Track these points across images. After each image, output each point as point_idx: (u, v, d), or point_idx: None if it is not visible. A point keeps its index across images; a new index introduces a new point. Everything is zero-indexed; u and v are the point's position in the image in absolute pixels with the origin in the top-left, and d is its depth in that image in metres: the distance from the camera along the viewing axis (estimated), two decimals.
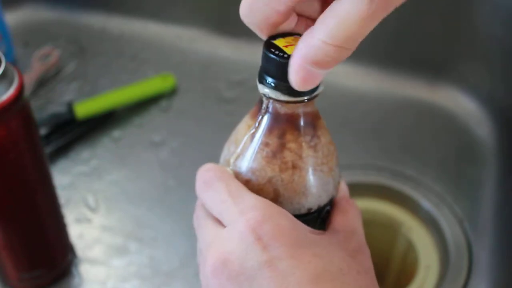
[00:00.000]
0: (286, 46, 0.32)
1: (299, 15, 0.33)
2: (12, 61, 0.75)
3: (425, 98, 0.71)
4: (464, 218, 0.59)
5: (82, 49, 0.78)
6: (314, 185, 0.35)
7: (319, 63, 0.30)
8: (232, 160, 0.36)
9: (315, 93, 0.33)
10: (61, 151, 0.67)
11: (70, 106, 0.68)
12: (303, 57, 0.30)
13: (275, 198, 0.35)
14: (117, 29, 0.80)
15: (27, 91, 0.62)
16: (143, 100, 0.71)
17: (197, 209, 0.38)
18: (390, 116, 0.70)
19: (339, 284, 0.32)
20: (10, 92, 0.42)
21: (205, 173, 0.37)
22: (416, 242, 0.58)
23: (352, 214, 0.38)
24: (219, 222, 0.35)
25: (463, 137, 0.68)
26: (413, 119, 0.70)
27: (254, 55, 0.76)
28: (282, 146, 0.34)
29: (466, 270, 0.55)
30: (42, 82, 0.74)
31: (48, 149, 0.65)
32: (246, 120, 0.36)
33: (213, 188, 0.36)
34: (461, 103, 0.70)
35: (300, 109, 0.34)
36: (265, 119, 0.35)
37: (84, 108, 0.68)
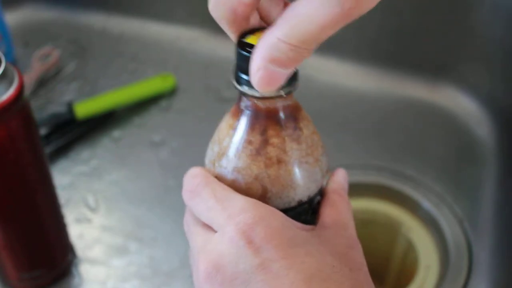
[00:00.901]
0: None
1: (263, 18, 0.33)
2: (12, 61, 0.75)
3: (425, 98, 0.71)
4: (464, 218, 0.59)
5: (82, 49, 0.78)
6: (301, 177, 0.35)
7: (277, 62, 0.29)
8: (216, 161, 0.36)
9: (293, 86, 0.33)
10: (61, 151, 0.67)
11: (70, 106, 0.68)
12: (262, 56, 0.29)
13: (264, 194, 0.35)
14: (117, 29, 0.80)
15: (27, 91, 0.61)
16: (143, 100, 0.71)
17: (187, 214, 0.37)
18: (390, 116, 0.70)
19: (332, 283, 0.32)
20: (10, 92, 0.42)
21: (191, 181, 0.36)
22: (416, 242, 0.58)
23: (342, 207, 0.37)
24: (209, 228, 0.35)
25: (463, 137, 0.68)
26: (413, 119, 0.70)
27: None
28: (265, 142, 0.34)
29: (466, 270, 0.55)
30: (42, 82, 0.74)
31: (48, 149, 0.65)
32: (227, 119, 0.36)
33: (200, 196, 0.35)
34: (461, 103, 0.70)
35: (279, 103, 0.34)
36: (246, 117, 0.34)
37: (84, 108, 0.68)
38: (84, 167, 0.66)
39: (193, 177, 0.36)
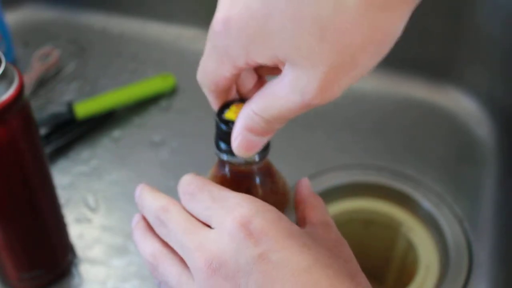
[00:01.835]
0: (237, 113, 0.36)
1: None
2: (12, 61, 0.75)
3: (425, 98, 0.71)
4: (464, 218, 0.59)
5: (82, 49, 0.78)
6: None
7: (253, 130, 0.34)
8: None
9: (266, 154, 0.38)
10: (61, 151, 0.67)
11: (70, 106, 0.68)
12: (240, 125, 0.34)
13: None
14: (117, 29, 0.80)
15: (27, 91, 0.62)
16: (143, 100, 0.71)
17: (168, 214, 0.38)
18: (390, 116, 0.70)
19: (331, 272, 0.33)
20: (10, 92, 0.42)
21: (187, 187, 0.38)
22: (416, 242, 0.58)
23: (322, 208, 0.40)
24: (205, 226, 0.36)
25: (463, 137, 0.68)
26: (413, 119, 0.70)
27: None
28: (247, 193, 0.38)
29: (466, 270, 0.55)
30: (42, 82, 0.74)
31: (48, 149, 0.65)
32: (213, 176, 0.40)
33: (197, 198, 0.37)
34: (461, 103, 0.70)
35: (255, 166, 0.38)
36: (226, 177, 0.38)
37: (84, 108, 0.68)
38: (84, 167, 0.66)
39: (188, 184, 0.38)
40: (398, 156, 0.65)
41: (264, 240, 0.33)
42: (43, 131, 0.66)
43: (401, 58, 0.72)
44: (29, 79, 0.72)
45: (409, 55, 0.72)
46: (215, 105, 0.38)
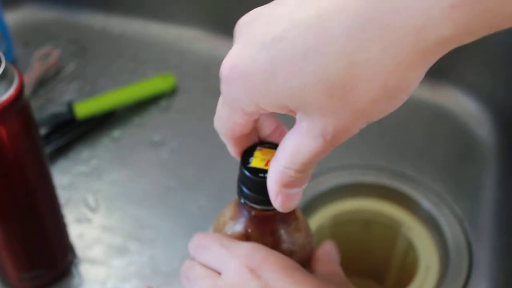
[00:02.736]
0: (263, 161, 0.36)
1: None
2: (12, 61, 0.75)
3: (425, 98, 0.71)
4: (464, 218, 0.59)
5: (82, 49, 0.78)
6: (306, 257, 0.41)
7: (289, 185, 0.33)
8: None
9: None
10: (61, 151, 0.67)
11: (70, 106, 0.68)
12: (275, 184, 0.34)
13: None
14: (117, 29, 0.80)
15: (27, 91, 0.62)
16: (143, 100, 0.71)
17: (186, 267, 0.40)
18: (390, 116, 0.69)
19: None
20: (10, 92, 0.42)
21: (201, 240, 0.40)
22: (416, 242, 0.58)
23: (331, 261, 0.42)
24: (215, 272, 0.38)
25: (463, 137, 0.68)
26: (413, 119, 0.70)
27: None
28: (277, 240, 0.39)
29: (466, 270, 0.55)
30: (42, 82, 0.74)
31: (48, 149, 0.65)
32: (228, 219, 0.40)
33: (210, 249, 0.39)
34: (461, 103, 0.70)
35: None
36: (251, 223, 0.39)
37: (84, 108, 0.68)
38: (84, 167, 0.66)
39: (202, 238, 0.40)
40: (398, 156, 0.65)
41: (266, 272, 0.35)
42: (43, 131, 0.66)
43: None
44: (29, 79, 0.72)
45: None
46: (233, 152, 0.38)
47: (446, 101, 0.71)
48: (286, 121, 0.36)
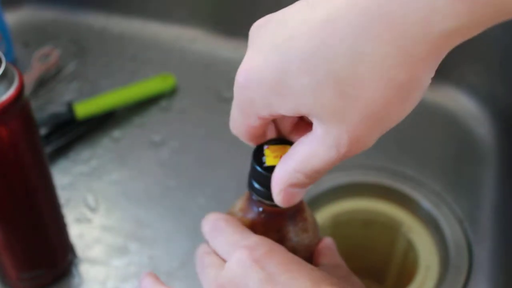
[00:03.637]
0: (276, 157, 0.36)
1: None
2: (12, 61, 0.75)
3: (425, 98, 0.70)
4: (464, 218, 0.59)
5: (82, 49, 0.78)
6: (310, 255, 0.41)
7: (294, 185, 0.34)
8: None
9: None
10: (61, 151, 0.67)
11: (70, 106, 0.68)
12: (280, 181, 0.34)
13: None
14: (117, 29, 0.80)
15: (27, 91, 0.62)
16: (143, 100, 0.71)
17: (204, 252, 0.41)
18: None
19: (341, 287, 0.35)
20: (10, 92, 0.42)
21: (215, 222, 0.40)
22: (416, 242, 0.58)
23: (332, 253, 0.42)
24: (222, 261, 0.38)
25: (463, 137, 0.68)
26: (413, 119, 0.69)
27: None
28: (282, 238, 0.39)
29: (466, 270, 0.55)
30: (42, 82, 0.74)
31: (48, 149, 0.65)
32: (243, 213, 0.40)
33: (223, 235, 0.39)
34: (461, 103, 0.70)
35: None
36: (259, 217, 0.39)
37: (84, 108, 0.68)
38: (84, 167, 0.66)
39: (216, 220, 0.40)
40: (398, 156, 0.65)
41: (269, 265, 0.35)
42: (43, 131, 0.66)
43: None
44: (29, 79, 0.72)
45: None
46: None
47: (446, 101, 0.70)
48: None
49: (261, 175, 0.36)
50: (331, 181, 0.61)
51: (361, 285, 0.39)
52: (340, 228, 0.60)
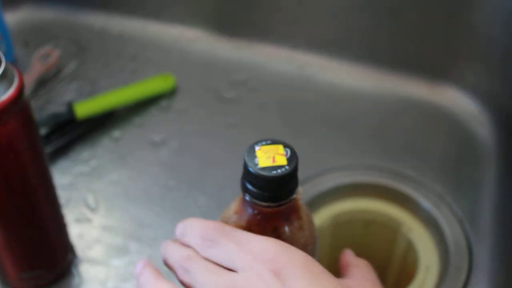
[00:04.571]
0: (269, 158, 0.37)
1: None
2: (12, 61, 0.75)
3: (425, 98, 0.71)
4: (464, 218, 0.59)
5: (82, 49, 0.78)
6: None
7: None
8: None
9: (294, 196, 0.38)
10: (61, 151, 0.67)
11: (70, 106, 0.68)
12: None
13: None
14: (117, 29, 0.80)
15: (27, 91, 0.61)
16: (143, 100, 0.71)
17: (188, 256, 0.39)
18: (390, 116, 0.70)
19: None
20: (10, 92, 0.42)
21: (207, 231, 0.38)
22: (416, 242, 0.58)
23: (366, 268, 0.42)
24: (230, 270, 0.37)
25: (463, 137, 0.68)
26: (413, 119, 0.70)
27: (254, 55, 0.77)
28: (277, 238, 0.38)
29: (466, 270, 0.55)
30: (42, 82, 0.74)
31: (48, 149, 0.65)
32: (237, 215, 0.40)
33: (219, 243, 0.37)
34: (461, 103, 0.70)
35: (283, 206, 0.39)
36: (255, 218, 0.39)
37: (84, 108, 0.68)
38: (84, 167, 0.66)
39: (207, 228, 0.38)
40: (398, 156, 0.65)
41: (287, 273, 0.35)
42: (43, 131, 0.66)
43: (401, 58, 0.72)
44: (29, 79, 0.72)
45: (409, 55, 0.72)
46: None
47: (446, 101, 0.71)
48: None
49: (255, 176, 0.37)
50: (331, 181, 0.61)
51: None
52: (340, 228, 0.60)
